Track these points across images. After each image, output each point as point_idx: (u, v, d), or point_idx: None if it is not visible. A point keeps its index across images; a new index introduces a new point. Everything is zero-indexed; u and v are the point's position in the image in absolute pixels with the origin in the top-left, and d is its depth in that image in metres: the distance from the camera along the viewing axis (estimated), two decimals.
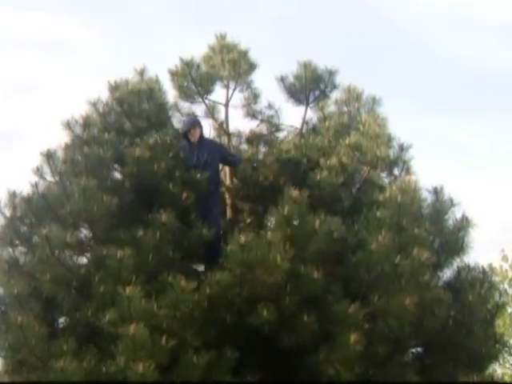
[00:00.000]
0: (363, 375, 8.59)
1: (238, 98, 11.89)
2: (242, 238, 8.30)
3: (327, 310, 8.56)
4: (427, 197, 10.29)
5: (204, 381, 8.25)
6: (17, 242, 9.92)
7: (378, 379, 8.83)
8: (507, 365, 19.66)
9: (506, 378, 19.00)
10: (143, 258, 8.81)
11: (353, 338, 8.17)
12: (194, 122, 10.37)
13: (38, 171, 10.16)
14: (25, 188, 10.00)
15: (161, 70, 11.79)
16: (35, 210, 9.83)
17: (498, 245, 22.04)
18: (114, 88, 10.99)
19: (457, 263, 10.45)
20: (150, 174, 9.78)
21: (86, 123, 10.46)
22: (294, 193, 8.79)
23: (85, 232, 9.66)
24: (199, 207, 9.73)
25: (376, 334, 8.77)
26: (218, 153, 10.20)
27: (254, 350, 8.85)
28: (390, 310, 8.60)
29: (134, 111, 10.85)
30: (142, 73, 11.52)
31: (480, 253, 11.45)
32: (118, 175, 10.35)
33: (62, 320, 9.80)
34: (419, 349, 10.36)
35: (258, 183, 10.46)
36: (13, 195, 10.03)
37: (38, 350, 8.51)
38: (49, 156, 10.03)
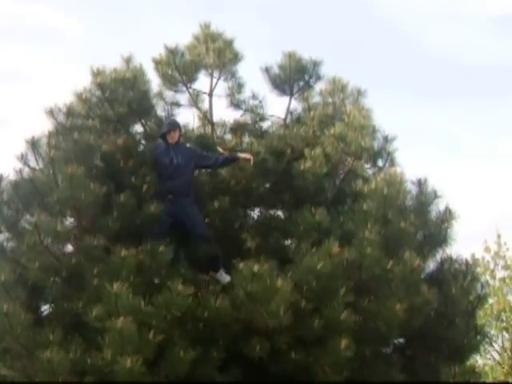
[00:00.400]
0: (350, 375, 8.61)
1: (222, 87, 11.82)
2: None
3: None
4: (411, 189, 10.30)
5: (190, 378, 8.27)
6: (2, 227, 9.86)
7: (364, 377, 8.83)
8: (488, 356, 19.82)
9: (487, 369, 19.16)
10: None
11: (343, 343, 8.25)
12: (174, 125, 10.16)
13: (23, 158, 10.11)
14: (10, 175, 9.98)
15: (146, 59, 11.67)
16: (21, 196, 9.78)
17: (483, 236, 22.06)
18: (96, 74, 10.81)
19: (440, 255, 10.50)
20: (116, 170, 9.93)
21: (70, 111, 10.41)
22: None
23: (71, 220, 9.59)
24: (173, 209, 9.67)
25: (364, 335, 8.83)
26: (193, 158, 9.95)
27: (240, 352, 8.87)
28: (379, 314, 8.72)
29: (116, 98, 10.69)
30: (128, 61, 11.35)
31: (464, 244, 11.49)
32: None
33: (46, 308, 9.76)
34: (401, 340, 10.39)
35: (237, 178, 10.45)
36: None
37: (23, 338, 8.44)
38: (33, 143, 9.98)
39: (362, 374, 8.72)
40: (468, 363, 10.82)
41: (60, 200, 9.08)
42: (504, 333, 20.09)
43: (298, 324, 8.45)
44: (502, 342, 20.09)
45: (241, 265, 8.36)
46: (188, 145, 10.59)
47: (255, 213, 10.94)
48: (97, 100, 10.77)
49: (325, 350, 8.39)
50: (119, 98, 10.69)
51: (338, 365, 8.33)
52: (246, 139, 11.28)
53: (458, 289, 10.08)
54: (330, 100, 11.22)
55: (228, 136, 11.61)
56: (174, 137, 9.91)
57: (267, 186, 10.69)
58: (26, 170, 10.05)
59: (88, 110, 10.66)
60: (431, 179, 10.45)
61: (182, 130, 10.40)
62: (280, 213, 10.88)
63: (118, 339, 7.73)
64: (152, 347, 7.94)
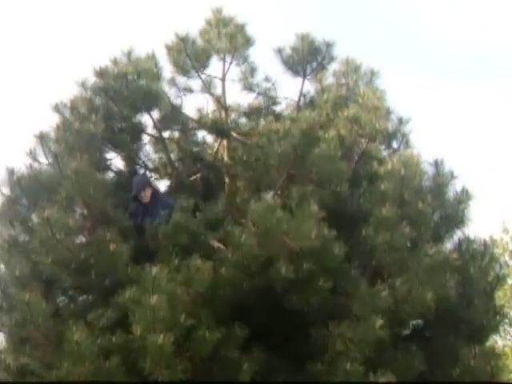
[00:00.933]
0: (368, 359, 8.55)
1: (234, 72, 11.75)
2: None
3: (345, 284, 8.59)
4: (428, 170, 10.22)
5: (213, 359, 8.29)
6: (15, 222, 9.89)
7: (383, 359, 8.75)
8: (508, 336, 19.74)
9: (507, 350, 19.07)
10: None
11: (379, 323, 8.15)
12: (142, 183, 9.87)
13: (31, 153, 10.16)
14: (21, 170, 10.04)
15: (159, 45, 11.66)
16: (31, 191, 9.82)
17: (501, 218, 21.90)
18: (100, 74, 10.82)
19: (457, 236, 10.43)
20: None
21: (74, 106, 10.46)
22: None
23: (80, 212, 9.53)
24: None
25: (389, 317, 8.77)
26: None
27: (262, 322, 8.86)
28: (411, 301, 8.63)
29: (120, 96, 10.67)
30: (129, 55, 11.32)
31: (482, 226, 11.40)
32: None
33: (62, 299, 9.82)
34: (419, 321, 10.35)
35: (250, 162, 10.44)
36: (11, 173, 10.03)
37: (44, 327, 8.43)
38: (41, 137, 10.00)
39: (380, 356, 8.64)
40: (487, 344, 10.74)
41: (68, 195, 9.08)
42: None
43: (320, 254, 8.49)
44: None
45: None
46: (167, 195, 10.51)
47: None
48: (100, 99, 10.77)
49: (354, 325, 8.33)
50: (122, 95, 10.65)
51: (365, 343, 8.23)
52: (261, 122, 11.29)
53: (476, 269, 10.01)
54: (343, 81, 11.18)
55: (242, 120, 11.60)
56: (146, 195, 9.63)
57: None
58: (36, 164, 10.12)
59: (92, 106, 10.64)
60: (448, 159, 10.36)
61: (156, 187, 10.28)
62: None
63: (149, 316, 7.67)
64: (182, 327, 7.89)
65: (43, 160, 10.12)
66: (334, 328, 8.39)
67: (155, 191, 9.90)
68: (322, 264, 8.47)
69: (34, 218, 9.67)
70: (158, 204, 9.56)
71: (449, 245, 10.35)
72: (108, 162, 10.82)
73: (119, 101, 10.67)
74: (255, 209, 8.47)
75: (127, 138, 10.77)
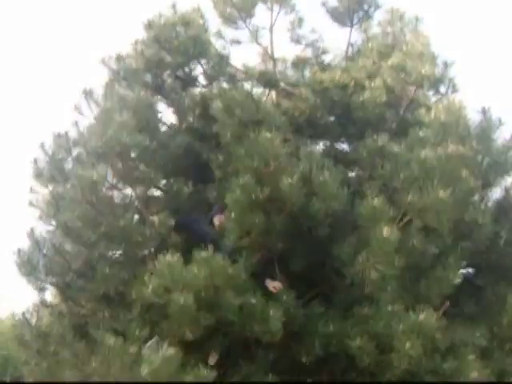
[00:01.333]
0: (410, 286, 8.59)
1: (281, 22, 11.61)
2: None
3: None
4: (475, 116, 10.08)
5: None
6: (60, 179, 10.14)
7: (424, 288, 8.76)
8: None
9: None
10: None
11: (385, 230, 8.05)
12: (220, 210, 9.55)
13: (78, 109, 10.29)
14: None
15: None
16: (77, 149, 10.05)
17: None
18: (149, 26, 10.94)
19: (506, 183, 10.30)
20: None
21: (123, 61, 10.65)
22: None
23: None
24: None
25: (412, 231, 8.67)
26: None
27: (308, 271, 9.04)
28: (425, 206, 8.37)
29: (171, 45, 10.77)
30: (174, 8, 11.33)
31: None
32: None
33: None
34: (470, 270, 10.30)
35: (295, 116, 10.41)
36: (57, 136, 10.29)
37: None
38: (88, 94, 10.15)
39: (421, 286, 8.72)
40: None
41: (107, 146, 9.20)
42: None
43: None
44: None
45: None
46: None
47: (320, 146, 10.93)
48: (152, 50, 10.84)
49: (370, 246, 8.26)
50: (173, 44, 10.75)
51: (386, 255, 8.13)
52: (308, 74, 11.25)
53: None
54: (388, 30, 11.06)
55: (290, 71, 11.56)
56: (217, 222, 9.42)
57: (331, 118, 10.64)
58: (82, 121, 10.30)
59: (143, 59, 10.75)
60: (496, 105, 10.20)
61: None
62: (345, 146, 10.87)
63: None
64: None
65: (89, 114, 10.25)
66: (361, 257, 8.38)
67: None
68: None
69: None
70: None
71: (498, 192, 10.26)
72: (159, 115, 10.89)
73: (170, 50, 10.78)
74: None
75: (178, 88, 10.87)
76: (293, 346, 8.74)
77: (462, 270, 10.16)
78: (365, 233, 8.30)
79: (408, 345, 7.85)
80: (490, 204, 9.93)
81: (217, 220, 9.30)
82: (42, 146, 10.24)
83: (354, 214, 8.47)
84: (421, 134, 8.86)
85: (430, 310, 8.00)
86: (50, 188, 10.09)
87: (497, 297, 9.68)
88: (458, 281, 8.82)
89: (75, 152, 10.17)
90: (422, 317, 7.91)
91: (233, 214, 8.49)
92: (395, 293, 8.32)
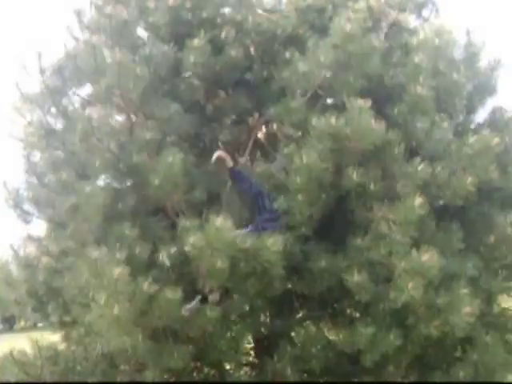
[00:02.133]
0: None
1: None
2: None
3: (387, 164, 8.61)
4: (459, 39, 10.04)
5: None
6: (52, 108, 9.90)
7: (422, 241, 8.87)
8: None
9: None
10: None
11: (417, 200, 8.16)
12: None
13: (69, 30, 10.12)
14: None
15: None
16: (69, 79, 9.79)
17: None
18: None
19: (490, 105, 10.37)
20: None
21: None
22: None
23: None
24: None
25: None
26: None
27: None
28: (451, 186, 8.67)
29: None
30: None
31: None
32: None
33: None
34: None
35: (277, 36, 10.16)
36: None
37: None
38: (80, 14, 9.90)
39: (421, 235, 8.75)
40: None
41: (108, 88, 8.92)
42: None
43: None
44: None
45: None
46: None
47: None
48: None
49: (395, 207, 8.37)
50: None
51: (407, 223, 8.24)
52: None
53: (510, 137, 9.97)
54: None
55: None
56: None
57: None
58: (73, 43, 10.00)
59: None
60: (478, 28, 10.20)
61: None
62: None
63: None
64: None
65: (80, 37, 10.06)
66: (377, 211, 8.47)
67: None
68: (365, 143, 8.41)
69: (71, 104, 9.67)
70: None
71: (483, 114, 10.32)
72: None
73: None
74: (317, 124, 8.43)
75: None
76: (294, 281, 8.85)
77: None
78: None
79: (410, 285, 7.96)
80: (474, 126, 10.00)
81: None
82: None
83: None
84: (416, 59, 8.79)
85: (431, 249, 8.08)
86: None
87: (482, 217, 9.83)
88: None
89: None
90: (425, 257, 7.99)
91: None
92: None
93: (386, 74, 9.21)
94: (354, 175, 8.32)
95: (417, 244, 8.22)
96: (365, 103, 8.15)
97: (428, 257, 7.93)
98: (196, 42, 9.45)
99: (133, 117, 9.32)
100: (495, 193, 9.96)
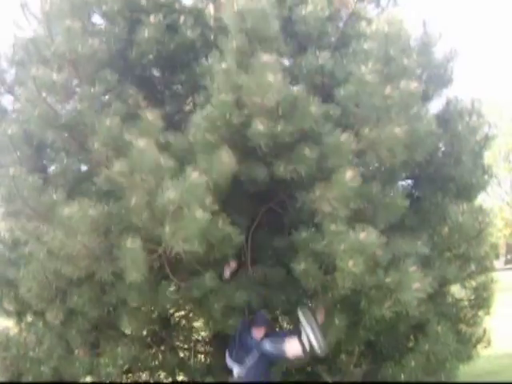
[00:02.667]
0: (358, 211, 8.59)
1: None
2: None
3: (322, 144, 8.47)
4: (415, 30, 10.09)
5: None
6: (2, 90, 9.85)
7: (371, 213, 8.86)
8: (497, 196, 20.00)
9: (496, 209, 19.37)
10: None
11: (348, 174, 8.11)
12: (261, 323, 9.06)
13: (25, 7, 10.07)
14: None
15: None
16: (19, 60, 9.75)
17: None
18: None
19: (445, 95, 10.43)
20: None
21: None
22: None
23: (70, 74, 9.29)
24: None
25: (368, 170, 8.82)
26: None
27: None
28: (381, 142, 8.44)
29: None
30: None
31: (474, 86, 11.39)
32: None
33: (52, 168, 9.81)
34: (408, 181, 10.47)
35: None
36: None
37: (32, 200, 8.33)
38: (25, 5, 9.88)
39: (368, 211, 8.75)
40: (475, 202, 10.88)
41: (57, 53, 8.90)
42: None
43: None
44: (511, 183, 20.26)
45: None
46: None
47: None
48: None
49: (329, 184, 8.30)
50: None
51: (344, 197, 8.22)
52: None
53: (464, 127, 10.04)
54: None
55: None
56: (259, 333, 9.02)
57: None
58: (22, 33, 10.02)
59: None
60: (436, 20, 10.27)
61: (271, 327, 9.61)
62: (285, 60, 10.73)
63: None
64: None
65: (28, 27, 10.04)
66: (319, 191, 8.41)
67: (268, 332, 9.20)
68: (299, 125, 8.40)
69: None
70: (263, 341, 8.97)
71: (437, 104, 10.38)
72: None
73: None
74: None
75: None
76: None
77: (402, 182, 10.38)
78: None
79: (350, 263, 7.94)
80: (429, 116, 10.01)
81: (257, 332, 9.01)
82: None
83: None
84: (365, 46, 8.81)
85: (370, 228, 8.04)
86: None
87: (435, 206, 9.89)
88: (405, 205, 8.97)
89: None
90: (362, 235, 7.97)
91: None
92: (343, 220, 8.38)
93: (340, 64, 9.21)
94: (260, 127, 8.15)
95: (360, 220, 8.24)
96: (270, 59, 8.11)
97: (366, 234, 7.92)
98: (152, 18, 9.44)
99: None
100: (449, 183, 10.04)
